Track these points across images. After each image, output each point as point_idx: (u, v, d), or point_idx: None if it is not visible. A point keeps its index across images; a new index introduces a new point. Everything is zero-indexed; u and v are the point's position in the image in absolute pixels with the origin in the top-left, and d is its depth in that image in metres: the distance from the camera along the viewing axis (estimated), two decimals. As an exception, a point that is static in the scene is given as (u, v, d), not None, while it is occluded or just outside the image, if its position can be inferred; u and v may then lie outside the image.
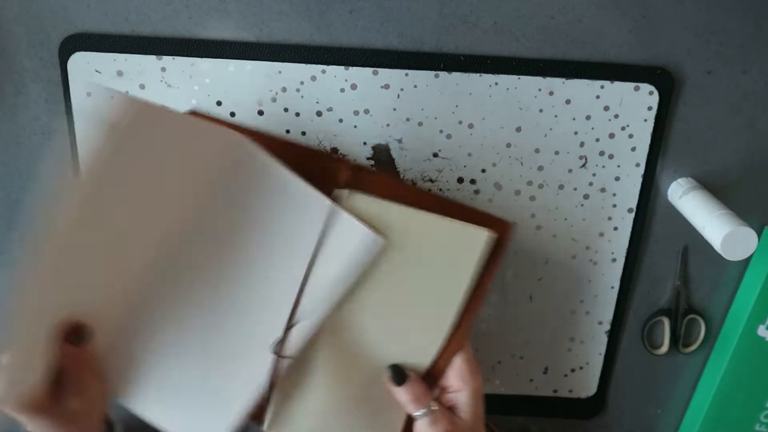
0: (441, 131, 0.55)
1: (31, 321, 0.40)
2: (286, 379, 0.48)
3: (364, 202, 0.46)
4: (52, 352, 0.41)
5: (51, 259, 0.39)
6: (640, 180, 0.56)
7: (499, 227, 0.48)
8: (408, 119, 0.54)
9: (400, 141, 0.55)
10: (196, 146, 0.44)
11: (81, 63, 0.52)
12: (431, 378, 0.48)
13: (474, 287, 0.47)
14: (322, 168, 0.48)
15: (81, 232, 0.40)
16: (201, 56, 0.52)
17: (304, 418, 0.49)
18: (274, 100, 0.53)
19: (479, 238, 0.46)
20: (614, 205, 0.57)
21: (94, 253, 0.42)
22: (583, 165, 0.56)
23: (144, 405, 0.47)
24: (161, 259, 0.46)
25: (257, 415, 0.50)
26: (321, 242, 0.46)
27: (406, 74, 0.53)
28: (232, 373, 0.46)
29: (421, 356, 0.48)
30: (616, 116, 0.54)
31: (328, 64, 0.52)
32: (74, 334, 0.43)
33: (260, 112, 0.54)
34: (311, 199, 0.46)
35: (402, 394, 0.47)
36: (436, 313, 0.48)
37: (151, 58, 0.52)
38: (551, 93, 0.53)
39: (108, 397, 0.47)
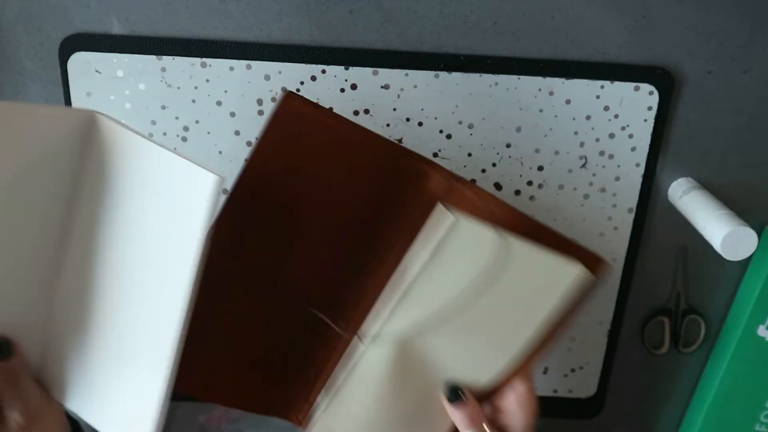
0: (441, 131, 0.55)
1: None
2: (337, 389, 0.48)
3: (466, 226, 0.44)
4: None
5: None
6: (640, 180, 0.56)
7: (592, 262, 0.46)
8: (408, 119, 0.54)
9: (400, 141, 0.55)
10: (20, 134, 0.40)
11: (81, 63, 0.52)
12: (484, 397, 0.48)
13: (554, 320, 0.46)
14: (411, 167, 0.46)
15: None
16: (201, 56, 0.52)
17: (347, 426, 0.48)
18: (274, 100, 0.53)
19: (570, 272, 0.45)
20: (614, 205, 0.57)
21: None
22: (583, 165, 0.56)
23: (81, 407, 0.46)
24: (55, 254, 0.43)
25: (301, 421, 0.50)
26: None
27: (406, 74, 0.53)
28: (137, 368, 0.44)
29: (479, 376, 0.47)
30: (616, 116, 0.54)
31: (328, 64, 0.52)
32: None
33: (260, 113, 0.54)
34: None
35: (456, 414, 0.46)
36: (508, 338, 0.46)
37: (151, 58, 0.52)
38: (551, 93, 0.53)
39: (56, 403, 0.46)
